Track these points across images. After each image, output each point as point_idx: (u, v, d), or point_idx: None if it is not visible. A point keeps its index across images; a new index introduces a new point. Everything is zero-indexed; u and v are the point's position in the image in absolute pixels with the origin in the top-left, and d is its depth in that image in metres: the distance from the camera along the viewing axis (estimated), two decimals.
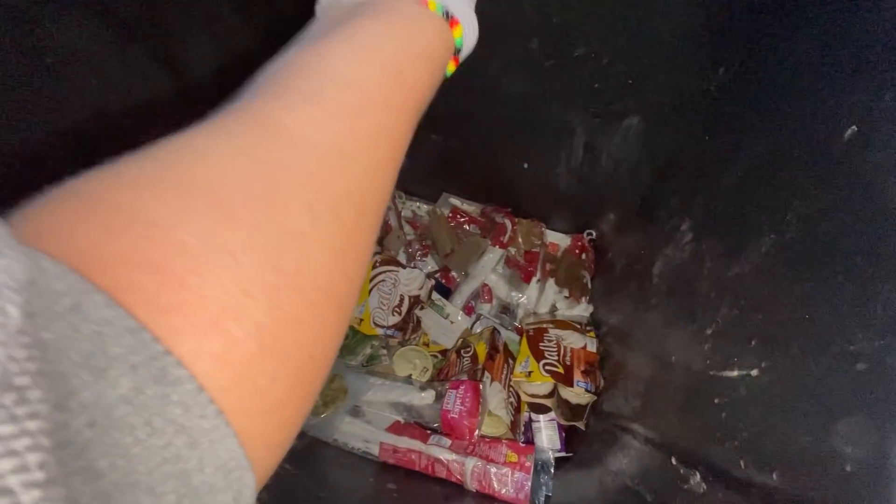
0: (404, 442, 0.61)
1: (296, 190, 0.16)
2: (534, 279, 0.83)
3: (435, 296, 0.80)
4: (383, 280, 0.75)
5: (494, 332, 0.74)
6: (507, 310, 0.84)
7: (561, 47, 0.51)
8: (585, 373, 0.67)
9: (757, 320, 0.31)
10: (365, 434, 0.63)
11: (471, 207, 0.89)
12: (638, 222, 0.65)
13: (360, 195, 0.19)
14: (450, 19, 0.27)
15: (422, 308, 0.78)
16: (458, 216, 0.87)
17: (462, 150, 0.75)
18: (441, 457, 0.60)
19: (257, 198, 0.15)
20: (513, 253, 0.86)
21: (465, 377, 0.66)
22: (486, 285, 0.84)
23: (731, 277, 0.35)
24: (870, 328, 0.20)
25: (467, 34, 0.29)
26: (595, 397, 0.66)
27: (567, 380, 0.66)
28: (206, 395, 0.12)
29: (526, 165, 0.73)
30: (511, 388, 0.70)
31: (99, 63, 0.36)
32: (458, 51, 0.30)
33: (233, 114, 0.18)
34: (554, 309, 0.83)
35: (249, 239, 0.15)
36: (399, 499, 0.53)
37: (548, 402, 0.69)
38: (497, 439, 0.65)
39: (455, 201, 0.89)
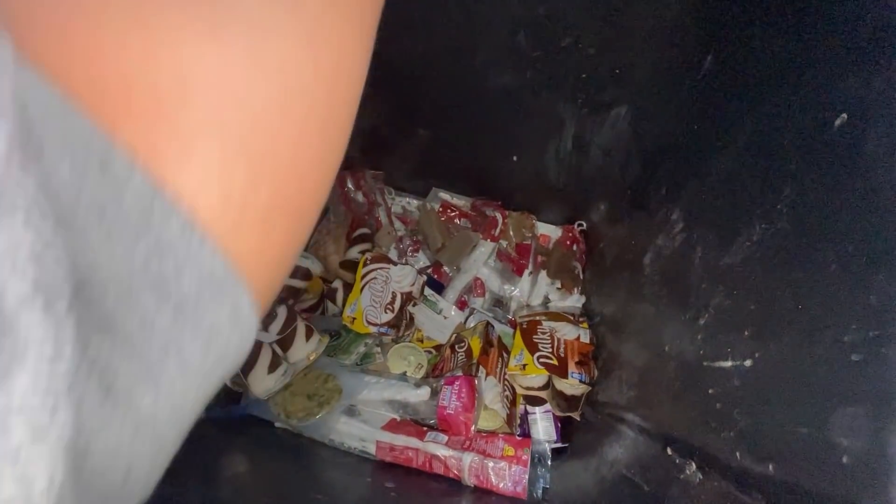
0: (401, 440, 0.61)
1: None
2: (526, 272, 0.83)
3: (427, 291, 0.80)
4: (374, 278, 0.75)
5: (488, 326, 0.74)
6: (500, 303, 0.84)
7: (547, 38, 0.50)
8: (580, 364, 0.67)
9: (750, 310, 0.31)
10: (361, 433, 0.63)
11: (461, 201, 0.88)
12: (628, 212, 0.65)
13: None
14: None
15: (414, 304, 0.77)
16: (449, 211, 0.87)
17: (451, 145, 0.74)
18: (438, 453, 0.60)
19: None
20: (504, 246, 0.85)
21: (459, 373, 0.66)
22: (478, 279, 0.84)
23: (723, 267, 0.35)
24: (864, 318, 0.20)
25: None
26: (590, 388, 0.66)
27: (561, 371, 0.66)
28: (167, 195, 0.12)
29: (515, 158, 0.73)
30: (506, 382, 0.70)
31: None
32: None
33: None
34: (547, 301, 0.84)
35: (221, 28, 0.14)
36: (397, 497, 0.53)
37: (543, 394, 0.69)
38: (493, 433, 0.65)
39: (445, 196, 0.88)
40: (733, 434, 0.29)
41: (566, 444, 0.68)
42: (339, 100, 0.18)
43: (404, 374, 0.72)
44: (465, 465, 0.59)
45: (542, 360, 0.68)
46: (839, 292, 0.22)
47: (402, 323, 0.75)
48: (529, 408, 0.71)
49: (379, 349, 0.75)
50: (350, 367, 0.70)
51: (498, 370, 0.69)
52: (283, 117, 0.15)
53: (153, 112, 0.12)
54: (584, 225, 0.85)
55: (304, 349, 0.68)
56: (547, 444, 0.65)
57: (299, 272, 0.80)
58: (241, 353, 0.15)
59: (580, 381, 0.65)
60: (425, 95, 0.65)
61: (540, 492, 0.59)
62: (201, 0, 0.14)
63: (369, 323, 0.73)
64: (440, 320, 0.78)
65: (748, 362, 0.29)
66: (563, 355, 0.68)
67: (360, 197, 0.86)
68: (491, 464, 0.59)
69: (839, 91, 0.25)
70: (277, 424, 0.65)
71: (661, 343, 0.44)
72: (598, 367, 0.67)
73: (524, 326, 0.74)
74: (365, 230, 0.86)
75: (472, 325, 0.77)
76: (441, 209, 0.87)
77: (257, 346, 0.64)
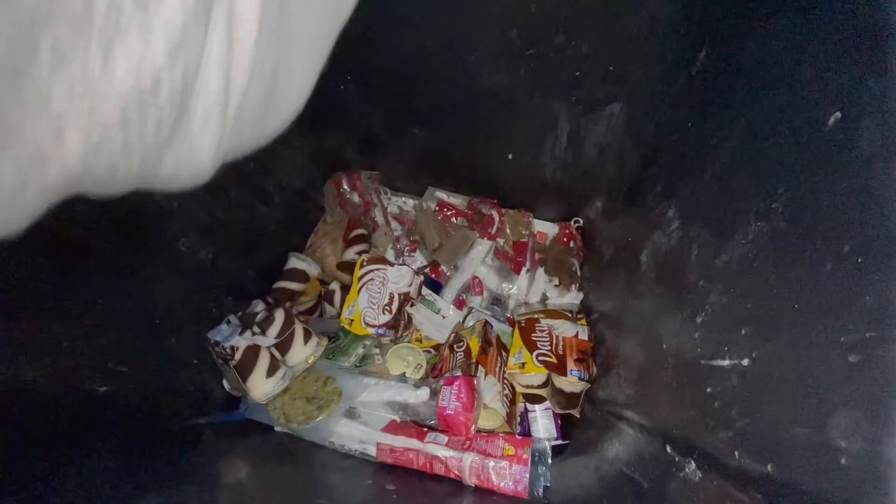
0: (401, 441, 0.61)
1: None
2: (523, 269, 0.83)
3: (425, 291, 0.80)
4: (372, 279, 0.75)
5: (486, 325, 0.74)
6: (498, 301, 0.84)
7: (540, 36, 0.50)
8: (578, 361, 0.67)
9: (746, 309, 0.31)
10: (361, 435, 0.63)
11: (457, 200, 0.88)
12: (624, 209, 0.65)
13: None
14: None
15: (412, 305, 0.77)
16: (445, 210, 0.87)
17: (446, 143, 0.74)
18: (439, 454, 0.60)
19: None
20: (501, 244, 0.85)
21: (459, 372, 0.66)
22: (476, 278, 0.83)
23: (720, 265, 0.35)
24: (860, 320, 0.20)
25: None
26: (589, 385, 0.66)
27: (560, 369, 0.66)
28: None
29: (510, 156, 0.73)
30: (505, 381, 0.70)
31: None
32: None
33: None
34: (545, 298, 0.84)
35: None
36: (398, 499, 0.53)
37: (542, 392, 0.69)
38: (494, 433, 0.65)
39: (441, 195, 0.88)
40: (732, 433, 0.29)
41: (566, 442, 0.68)
42: None
43: (403, 375, 0.72)
44: (466, 465, 0.59)
45: (540, 358, 0.68)
46: (835, 293, 0.22)
47: (400, 324, 0.75)
48: (529, 406, 0.71)
49: (378, 350, 0.75)
50: (349, 369, 0.70)
51: (497, 369, 0.69)
52: None
53: None
54: (581, 222, 0.85)
55: (303, 352, 0.68)
56: (547, 442, 0.65)
57: (296, 275, 0.79)
58: None
59: (579, 378, 0.65)
60: (419, 95, 0.64)
61: (541, 490, 0.59)
62: None
63: (367, 324, 0.73)
64: (438, 320, 0.78)
65: (746, 361, 0.29)
66: (561, 353, 0.68)
67: (355, 198, 0.86)
68: (492, 463, 0.59)
69: (833, 89, 0.25)
70: (277, 428, 0.65)
71: (659, 341, 0.44)
72: (596, 364, 0.67)
73: (522, 325, 0.74)
74: (362, 231, 0.86)
75: (470, 324, 0.77)
76: (437, 208, 0.87)
77: (255, 351, 0.64)
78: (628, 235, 0.61)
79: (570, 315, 0.76)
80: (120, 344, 0.52)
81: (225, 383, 0.68)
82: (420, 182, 0.88)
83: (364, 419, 0.65)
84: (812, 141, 0.26)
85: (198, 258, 0.63)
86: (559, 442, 0.68)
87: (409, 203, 0.90)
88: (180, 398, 0.62)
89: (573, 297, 0.81)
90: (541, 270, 0.84)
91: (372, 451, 0.62)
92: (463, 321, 0.79)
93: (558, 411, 0.69)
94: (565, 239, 0.85)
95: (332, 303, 0.81)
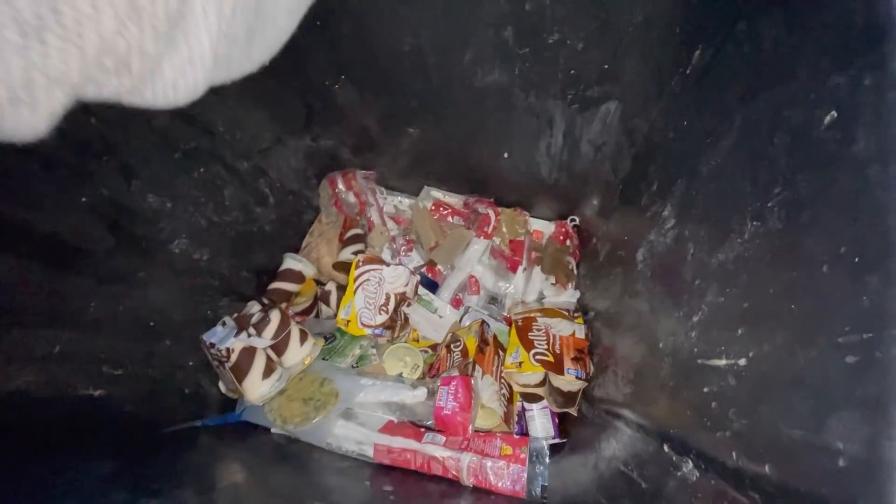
0: (398, 442, 0.61)
1: None
2: (520, 268, 0.83)
3: (422, 291, 0.80)
4: (368, 279, 0.74)
5: (483, 324, 0.74)
6: (494, 300, 0.84)
7: (535, 34, 0.50)
8: (575, 360, 0.67)
9: (743, 309, 0.31)
10: (358, 436, 0.63)
11: (453, 199, 0.88)
12: (620, 208, 0.65)
13: None
14: None
15: (409, 305, 0.77)
16: (441, 209, 0.86)
17: (441, 143, 0.74)
18: (436, 454, 0.60)
19: None
20: (497, 243, 0.85)
21: (456, 372, 0.66)
22: (472, 277, 0.83)
23: (716, 265, 0.35)
24: (858, 320, 0.20)
25: None
26: (586, 384, 0.66)
27: (557, 368, 0.66)
28: None
29: (506, 154, 0.72)
30: (502, 380, 0.70)
31: None
32: None
33: None
34: (541, 296, 0.84)
35: None
36: (396, 500, 0.53)
37: (539, 391, 0.69)
38: (491, 433, 0.65)
39: (437, 194, 0.88)
40: (729, 433, 0.29)
41: (564, 441, 0.68)
42: None
43: (401, 375, 0.72)
44: (464, 465, 0.59)
45: (538, 357, 0.68)
46: (832, 293, 0.22)
47: (396, 324, 0.75)
48: (527, 405, 0.71)
49: (374, 351, 0.74)
50: (346, 370, 0.70)
51: (494, 368, 0.69)
52: None
53: None
54: (577, 220, 0.85)
55: (299, 353, 0.68)
56: (545, 441, 0.65)
57: (292, 275, 0.79)
58: None
59: (576, 377, 0.65)
60: (414, 94, 0.64)
61: (539, 489, 0.59)
62: None
63: (364, 325, 0.73)
64: (435, 319, 0.78)
65: (742, 361, 0.29)
66: (558, 351, 0.68)
67: (351, 197, 0.85)
68: (489, 463, 0.59)
69: (829, 88, 0.25)
70: (274, 430, 0.65)
71: (656, 339, 0.44)
72: (593, 362, 0.67)
73: (519, 324, 0.74)
74: (357, 231, 0.86)
75: (467, 323, 0.77)
76: (433, 207, 0.87)
77: (251, 352, 0.64)
78: (624, 234, 0.61)
79: (566, 314, 0.76)
80: (113, 347, 0.52)
81: (221, 385, 0.68)
82: (416, 181, 0.88)
83: (361, 420, 0.65)
84: (808, 140, 0.26)
85: (192, 259, 0.63)
86: (557, 441, 0.68)
87: (404, 202, 0.90)
88: (175, 401, 0.62)
89: (570, 296, 0.81)
90: (537, 269, 0.84)
91: (369, 451, 0.62)
92: (460, 321, 0.79)
93: (556, 410, 0.69)
94: (562, 238, 0.85)
95: (328, 303, 0.81)
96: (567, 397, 0.67)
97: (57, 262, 0.45)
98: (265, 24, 0.22)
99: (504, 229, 0.85)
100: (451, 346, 0.71)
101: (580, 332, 0.71)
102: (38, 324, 0.44)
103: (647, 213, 0.51)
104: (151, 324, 0.57)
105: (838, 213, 0.23)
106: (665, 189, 0.48)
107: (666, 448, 0.39)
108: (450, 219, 0.87)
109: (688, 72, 0.45)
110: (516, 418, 0.70)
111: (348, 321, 0.73)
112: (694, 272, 0.39)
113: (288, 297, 0.78)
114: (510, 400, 0.70)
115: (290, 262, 0.79)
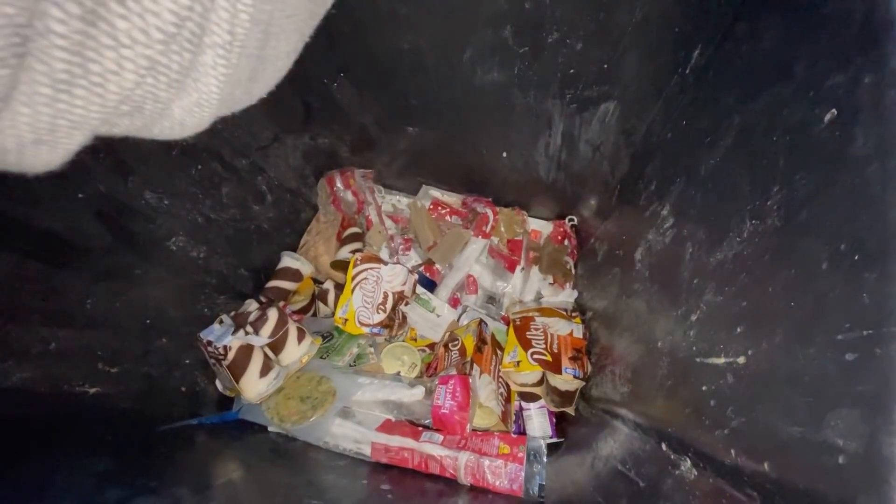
0: (396, 440, 0.61)
1: None
2: (518, 268, 0.83)
3: (420, 290, 0.80)
4: (365, 278, 0.74)
5: (481, 323, 0.74)
6: (492, 300, 0.84)
7: (534, 34, 0.50)
8: (573, 359, 0.67)
9: (742, 307, 0.31)
10: (356, 435, 0.63)
11: (451, 198, 0.88)
12: (618, 207, 0.65)
13: None
14: None
15: (406, 304, 0.77)
16: (440, 208, 0.86)
17: (440, 142, 0.74)
18: (434, 453, 0.59)
19: None
20: (496, 242, 0.85)
21: (453, 371, 0.66)
22: (470, 276, 0.83)
23: (714, 263, 0.35)
24: (857, 318, 0.20)
25: None
26: (583, 383, 0.66)
27: (555, 367, 0.66)
28: None
29: (505, 154, 0.72)
30: (500, 379, 0.70)
31: None
32: None
33: None
34: (539, 296, 0.84)
35: None
36: (393, 499, 0.52)
37: (537, 391, 0.70)
38: (489, 432, 0.65)
39: (435, 193, 0.88)
40: (727, 432, 0.29)
41: (561, 440, 0.68)
42: None
43: (398, 374, 0.72)
44: (461, 464, 0.59)
45: (535, 356, 0.68)
46: (832, 291, 0.22)
47: (394, 323, 0.75)
48: (524, 404, 0.71)
49: (372, 349, 0.74)
50: (343, 369, 0.70)
51: (492, 368, 0.69)
52: None
53: None
54: (575, 220, 0.85)
55: (297, 352, 0.68)
56: (542, 441, 0.65)
57: (289, 274, 0.79)
58: None
59: (574, 376, 0.65)
60: (413, 92, 0.64)
61: (536, 488, 0.59)
62: None
63: (361, 324, 0.72)
64: (433, 319, 0.78)
65: (741, 359, 0.29)
66: (556, 351, 0.68)
67: (349, 196, 0.85)
68: (487, 462, 0.59)
69: (828, 87, 0.25)
70: (271, 429, 0.65)
71: (654, 339, 0.44)
72: (591, 362, 0.67)
73: (517, 323, 0.74)
74: (355, 230, 0.85)
75: (465, 322, 0.77)
76: (432, 207, 0.87)
77: (248, 350, 0.63)
78: (622, 234, 0.61)
79: (564, 313, 0.76)
80: (109, 345, 0.52)
81: (217, 383, 0.68)
82: (414, 180, 0.88)
83: (359, 419, 0.65)
84: (807, 139, 0.26)
85: (189, 257, 0.62)
86: (554, 440, 0.68)
87: (403, 201, 0.90)
88: (172, 399, 0.62)
89: (568, 296, 0.81)
90: (535, 269, 0.84)
91: (367, 450, 0.62)
92: (457, 320, 0.79)
93: (553, 409, 0.69)
94: (560, 237, 0.85)
95: (325, 302, 0.80)
96: (564, 396, 0.67)
97: (53, 258, 0.45)
98: (266, 66, 0.23)
99: (502, 229, 0.85)
100: (449, 345, 0.71)
101: (578, 332, 0.71)
102: (34, 320, 0.44)
103: (645, 213, 0.51)
104: (148, 321, 0.57)
105: (838, 211, 0.23)
106: (663, 189, 0.48)
107: (664, 447, 0.39)
108: (448, 218, 0.86)
109: (687, 71, 0.45)
110: (514, 417, 0.70)
111: (346, 320, 0.73)
112: (692, 271, 0.39)
113: (286, 295, 0.78)
114: (508, 399, 0.70)
115: (288, 261, 0.79)
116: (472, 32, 0.52)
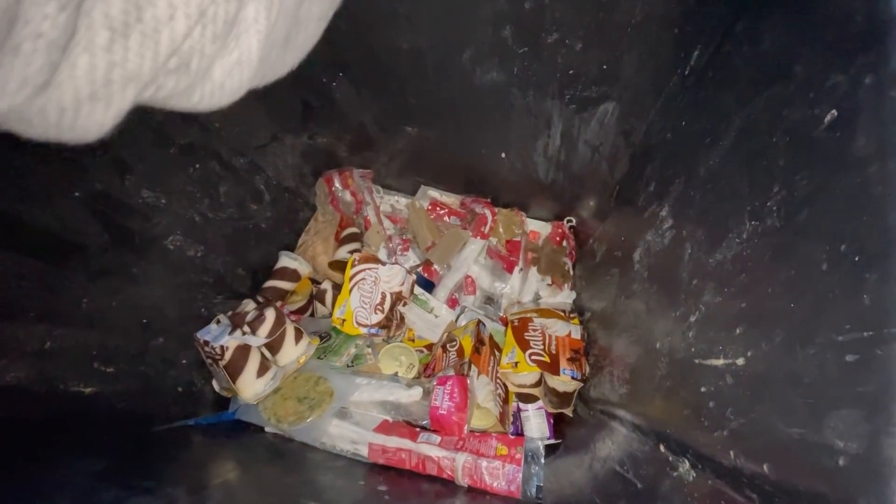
0: (393, 441, 0.61)
1: None
2: (516, 268, 0.83)
3: (418, 290, 0.79)
4: (363, 279, 0.74)
5: (479, 324, 0.74)
6: (490, 300, 0.84)
7: (534, 34, 0.50)
8: (571, 360, 0.67)
9: (741, 308, 0.31)
10: (353, 435, 0.62)
11: (450, 199, 0.88)
12: (617, 208, 0.65)
13: None
14: None
15: (404, 304, 0.77)
16: (438, 208, 0.86)
17: (439, 142, 0.74)
18: (431, 454, 0.59)
19: None
20: (494, 243, 0.85)
21: (451, 372, 0.65)
22: (469, 277, 0.83)
23: (713, 264, 0.35)
24: (857, 319, 0.20)
25: None
26: (581, 384, 0.66)
27: (553, 368, 0.66)
28: None
29: (504, 154, 0.72)
30: (498, 380, 0.70)
31: None
32: None
33: None
34: (537, 297, 0.83)
35: None
36: (390, 500, 0.52)
37: (535, 392, 0.69)
38: (486, 433, 0.65)
39: (434, 193, 0.87)
40: (727, 433, 0.29)
41: (559, 441, 0.68)
42: None
43: (396, 374, 0.72)
44: (459, 465, 0.58)
45: (533, 357, 0.67)
46: (832, 292, 0.22)
47: (392, 323, 0.74)
48: (522, 405, 0.71)
49: (370, 350, 0.74)
50: (341, 369, 0.70)
51: (490, 368, 0.69)
52: None
53: None
54: (574, 221, 0.85)
55: (294, 352, 0.67)
56: (540, 442, 0.65)
57: (287, 273, 0.79)
58: None
59: (572, 377, 0.65)
60: (412, 92, 0.64)
61: (534, 490, 0.59)
62: None
63: (359, 324, 0.72)
64: (431, 319, 0.78)
65: (740, 361, 0.29)
66: (554, 352, 0.68)
67: (347, 196, 0.85)
68: (484, 463, 0.59)
69: (828, 87, 0.25)
70: (268, 429, 0.64)
71: (653, 340, 0.44)
72: (589, 363, 0.67)
73: (515, 324, 0.74)
74: (354, 230, 0.85)
75: (463, 323, 0.77)
76: (430, 207, 0.86)
77: (245, 350, 0.63)
78: (621, 235, 0.61)
79: (562, 314, 0.76)
80: (105, 344, 0.51)
81: (214, 384, 0.67)
82: (413, 180, 0.88)
83: (356, 419, 0.65)
84: (807, 139, 0.26)
85: (186, 256, 0.62)
86: (552, 441, 0.68)
87: (401, 202, 0.90)
88: (168, 399, 0.61)
89: (566, 297, 0.81)
90: (534, 270, 0.84)
91: (364, 451, 0.61)
92: (456, 320, 0.79)
93: (551, 410, 0.69)
94: (558, 238, 0.85)
95: (323, 302, 0.80)
96: (563, 398, 0.67)
97: (49, 256, 0.45)
98: (299, 29, 0.24)
99: (501, 229, 0.85)
100: (447, 345, 0.71)
101: (576, 333, 0.71)
102: (29, 319, 0.44)
103: (644, 214, 0.51)
104: (144, 321, 0.56)
105: (838, 212, 0.23)
106: (663, 189, 0.48)
107: (662, 448, 0.39)
108: (446, 218, 0.86)
109: (686, 72, 0.45)
110: (512, 418, 0.70)
111: (344, 320, 0.73)
112: (691, 272, 0.39)
113: (283, 295, 0.78)
114: (506, 400, 0.70)
115: (286, 260, 0.79)
116: (471, 32, 0.52)
